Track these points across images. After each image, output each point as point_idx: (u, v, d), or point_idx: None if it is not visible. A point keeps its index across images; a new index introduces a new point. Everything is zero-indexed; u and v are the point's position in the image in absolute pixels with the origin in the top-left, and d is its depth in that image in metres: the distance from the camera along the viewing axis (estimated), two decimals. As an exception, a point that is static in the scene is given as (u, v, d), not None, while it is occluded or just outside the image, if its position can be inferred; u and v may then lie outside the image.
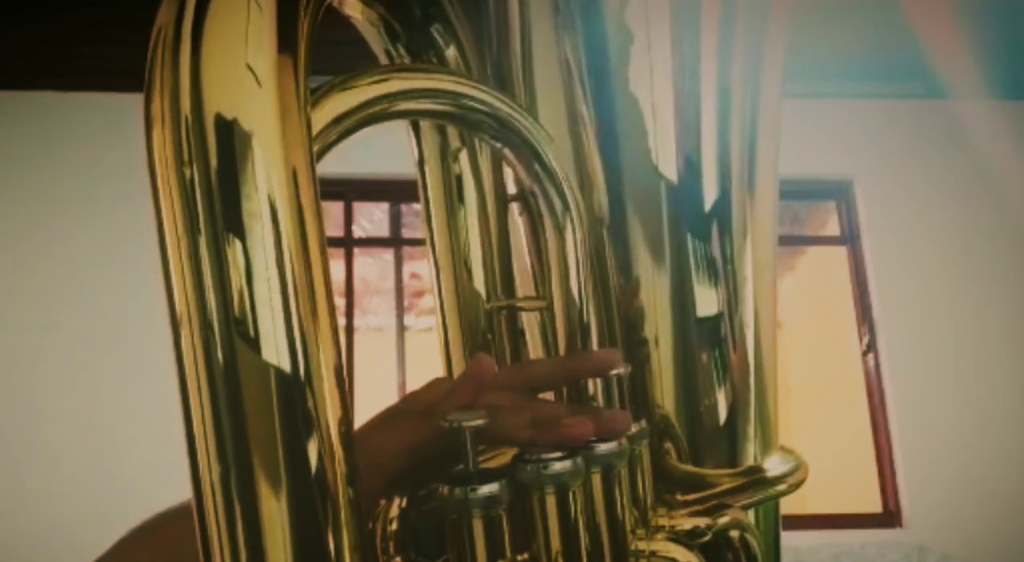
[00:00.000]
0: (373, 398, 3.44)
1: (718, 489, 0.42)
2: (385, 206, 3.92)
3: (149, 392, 2.80)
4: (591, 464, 0.33)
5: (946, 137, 3.78)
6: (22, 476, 3.13)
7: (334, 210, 3.75)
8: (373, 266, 3.98)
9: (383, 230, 3.96)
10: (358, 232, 3.84)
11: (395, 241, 3.86)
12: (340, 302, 3.62)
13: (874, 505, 3.63)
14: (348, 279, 3.66)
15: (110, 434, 3.16)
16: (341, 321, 3.57)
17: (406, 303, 3.72)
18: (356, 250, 3.78)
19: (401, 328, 3.66)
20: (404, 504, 0.35)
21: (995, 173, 3.68)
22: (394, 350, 3.63)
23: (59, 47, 3.21)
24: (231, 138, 0.23)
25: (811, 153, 3.67)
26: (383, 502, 0.35)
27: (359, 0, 0.42)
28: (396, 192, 3.70)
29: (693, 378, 0.42)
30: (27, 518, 3.05)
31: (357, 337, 3.64)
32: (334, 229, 3.75)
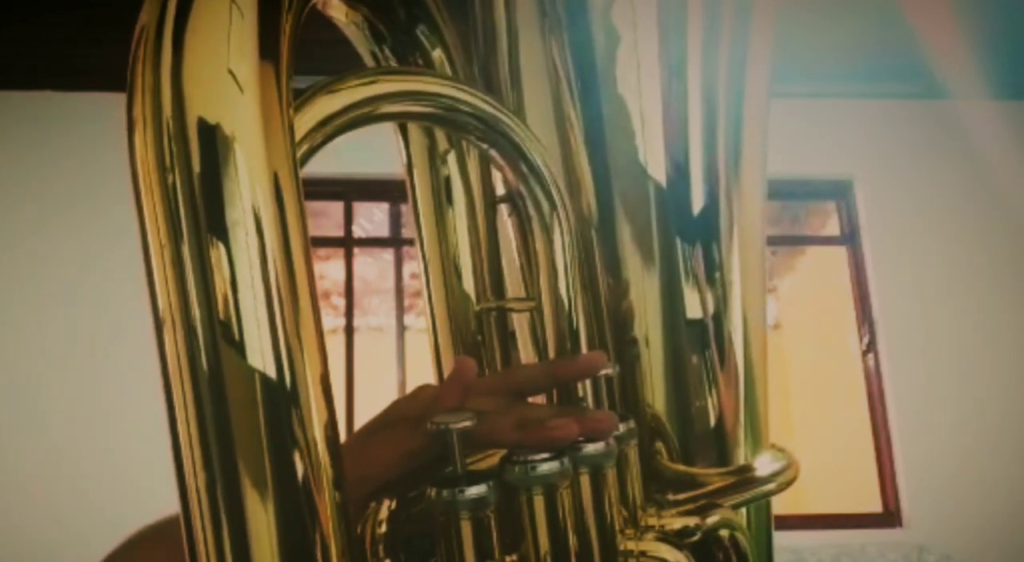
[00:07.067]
0: (373, 398, 3.44)
1: (708, 488, 0.42)
2: (385, 206, 3.92)
3: (150, 391, 2.80)
4: (578, 465, 0.33)
5: (946, 137, 3.78)
6: (22, 477, 3.13)
7: (334, 210, 3.75)
8: (373, 266, 3.98)
9: (383, 230, 3.96)
10: (358, 232, 3.84)
11: (395, 241, 3.86)
12: (340, 302, 3.62)
13: (874, 505, 3.62)
14: (348, 279, 3.65)
15: (112, 433, 3.17)
16: (341, 321, 3.58)
17: (406, 303, 3.72)
18: (356, 250, 3.77)
19: (401, 328, 3.66)
20: (394, 506, 0.35)
21: (995, 173, 3.68)
22: (394, 350, 3.63)
23: (59, 47, 3.21)
24: (213, 143, 0.23)
25: (811, 153, 3.67)
26: (372, 504, 0.35)
27: (343, 2, 0.42)
28: (396, 192, 3.69)
29: (683, 377, 0.42)
30: (27, 519, 3.05)
31: (357, 337, 3.63)
32: (334, 229, 3.75)
